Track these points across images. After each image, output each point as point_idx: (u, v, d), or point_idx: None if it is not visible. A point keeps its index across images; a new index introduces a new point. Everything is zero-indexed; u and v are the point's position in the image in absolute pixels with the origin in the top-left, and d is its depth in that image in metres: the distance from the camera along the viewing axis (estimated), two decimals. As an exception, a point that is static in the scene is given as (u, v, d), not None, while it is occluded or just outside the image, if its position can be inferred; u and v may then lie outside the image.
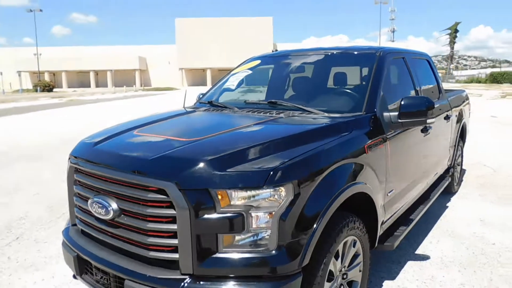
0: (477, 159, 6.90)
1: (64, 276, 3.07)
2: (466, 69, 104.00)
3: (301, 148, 2.03)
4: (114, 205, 1.93)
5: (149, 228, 1.84)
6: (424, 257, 3.35)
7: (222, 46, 63.00)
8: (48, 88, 49.03)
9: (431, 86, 4.15)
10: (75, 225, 2.38)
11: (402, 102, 2.68)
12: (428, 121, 2.70)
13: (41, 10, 54.44)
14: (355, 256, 2.37)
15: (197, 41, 64.02)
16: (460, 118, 4.92)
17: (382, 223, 2.71)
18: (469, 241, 3.65)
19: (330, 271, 2.09)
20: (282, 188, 1.79)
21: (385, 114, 2.71)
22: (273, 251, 1.77)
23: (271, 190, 1.77)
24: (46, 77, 60.91)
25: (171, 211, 1.77)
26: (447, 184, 4.39)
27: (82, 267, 2.17)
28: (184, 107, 3.40)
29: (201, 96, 3.67)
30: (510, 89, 33.39)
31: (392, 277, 3.02)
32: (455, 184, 5.06)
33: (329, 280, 2.09)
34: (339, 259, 2.17)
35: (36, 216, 4.44)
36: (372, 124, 2.60)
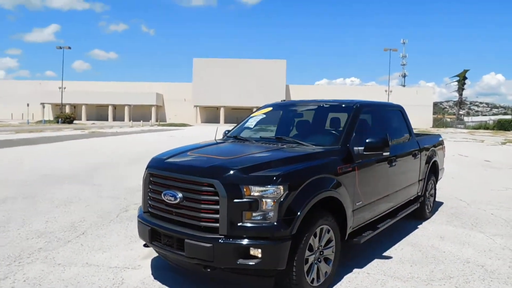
0: (456, 195, 8.02)
1: (124, 257, 4.29)
2: (478, 115, 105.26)
3: (294, 165, 3.32)
4: (179, 194, 3.20)
5: (202, 207, 3.10)
6: (388, 257, 4.49)
7: (236, 86, 65.76)
8: (68, 120, 51.58)
9: (401, 130, 5.43)
10: (146, 212, 3.63)
11: (367, 140, 3.96)
12: (384, 154, 3.98)
13: (69, 48, 58.01)
14: (329, 241, 3.56)
15: (212, 80, 66.95)
16: (430, 157, 6.14)
17: (351, 226, 3.89)
18: (426, 249, 4.78)
19: (310, 245, 3.29)
20: (281, 187, 3.05)
21: (355, 148, 3.99)
22: (275, 223, 3.00)
23: (274, 187, 3.03)
24: (67, 110, 64.00)
25: (215, 197, 3.04)
26: (415, 208, 5.56)
27: (153, 237, 3.41)
28: (215, 139, 4.73)
29: (227, 132, 5.01)
30: (514, 136, 34.43)
31: (360, 266, 4.17)
32: (427, 211, 6.19)
33: (310, 250, 3.29)
34: (317, 238, 3.37)
35: (91, 220, 5.69)
36: (345, 154, 3.87)
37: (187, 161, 3.55)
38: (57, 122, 50.88)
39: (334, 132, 4.36)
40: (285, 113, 5.11)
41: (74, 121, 53.85)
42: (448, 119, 72.64)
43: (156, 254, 4.14)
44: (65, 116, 52.73)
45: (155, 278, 3.77)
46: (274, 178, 3.05)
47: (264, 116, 5.01)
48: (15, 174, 9.50)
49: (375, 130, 4.73)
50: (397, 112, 5.52)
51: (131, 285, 3.60)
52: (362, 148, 3.98)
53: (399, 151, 4.94)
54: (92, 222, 5.59)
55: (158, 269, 3.97)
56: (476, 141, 26.85)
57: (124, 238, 4.89)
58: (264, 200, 3.00)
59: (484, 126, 54.24)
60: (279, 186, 3.04)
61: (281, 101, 5.41)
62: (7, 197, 6.92)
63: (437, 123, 66.65)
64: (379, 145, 3.92)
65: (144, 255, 4.31)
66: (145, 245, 3.62)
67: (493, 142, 25.62)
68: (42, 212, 6.06)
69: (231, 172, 3.08)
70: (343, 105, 4.62)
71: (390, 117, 5.14)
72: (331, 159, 3.69)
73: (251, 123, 4.90)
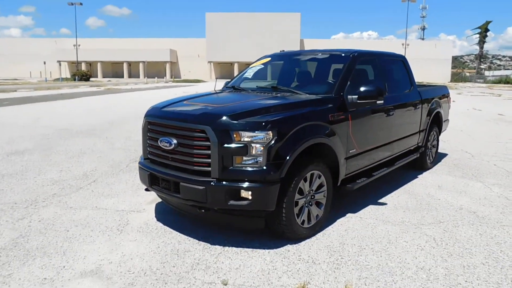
0: (461, 147, 8.02)
1: (130, 202, 4.56)
2: (500, 69, 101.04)
3: (284, 112, 3.41)
4: (174, 141, 3.37)
5: (194, 153, 3.27)
6: (383, 203, 4.64)
7: (250, 40, 64.51)
8: (85, 77, 51.93)
9: (402, 81, 5.40)
10: (147, 158, 3.83)
11: (361, 89, 3.99)
12: (378, 102, 4.02)
13: (81, 4, 57.30)
14: (321, 186, 3.70)
15: (226, 35, 65.79)
16: (433, 108, 6.12)
17: (345, 173, 4.02)
18: (421, 197, 4.91)
19: (301, 189, 3.45)
20: (270, 132, 3.16)
21: (349, 96, 4.03)
22: (264, 167, 3.16)
23: (264, 133, 3.16)
24: (83, 67, 64.33)
25: (207, 143, 3.19)
26: (414, 158, 5.64)
27: (152, 181, 3.62)
28: (214, 89, 4.83)
29: (227, 82, 5.10)
30: (537, 91, 33.30)
31: (354, 211, 4.35)
32: (428, 161, 6.26)
33: (301, 194, 3.46)
34: (307, 182, 3.52)
35: (103, 170, 5.99)
36: (338, 102, 3.93)
37: (181, 109, 3.69)
38: (74, 79, 51.33)
39: (329, 81, 4.39)
40: (284, 63, 5.13)
41: (91, 79, 54.22)
42: (468, 74, 70.24)
43: (160, 200, 4.40)
44: (82, 73, 53.04)
45: (157, 220, 4.04)
46: (263, 124, 3.16)
47: (263, 66, 5.05)
48: (33, 128, 9.86)
49: (373, 80, 4.73)
50: (399, 63, 5.46)
51: (135, 225, 3.88)
52: (356, 96, 4.02)
53: (398, 101, 4.95)
54: (103, 171, 5.88)
55: (161, 213, 4.23)
56: (493, 95, 26.13)
57: (132, 186, 5.17)
58: (253, 145, 3.14)
59: (504, 81, 52.30)
60: (268, 132, 3.16)
61: (280, 51, 5.42)
62: (25, 150, 7.27)
63: (456, 77, 64.60)
64: (373, 94, 3.95)
65: (149, 201, 4.57)
66: (146, 189, 3.86)
67: (510, 96, 24.90)
68: (57, 162, 6.38)
69: (222, 118, 3.20)
70: (342, 54, 4.61)
71: (390, 67, 5.11)
72: (324, 107, 3.76)
73: (249, 73, 4.96)
